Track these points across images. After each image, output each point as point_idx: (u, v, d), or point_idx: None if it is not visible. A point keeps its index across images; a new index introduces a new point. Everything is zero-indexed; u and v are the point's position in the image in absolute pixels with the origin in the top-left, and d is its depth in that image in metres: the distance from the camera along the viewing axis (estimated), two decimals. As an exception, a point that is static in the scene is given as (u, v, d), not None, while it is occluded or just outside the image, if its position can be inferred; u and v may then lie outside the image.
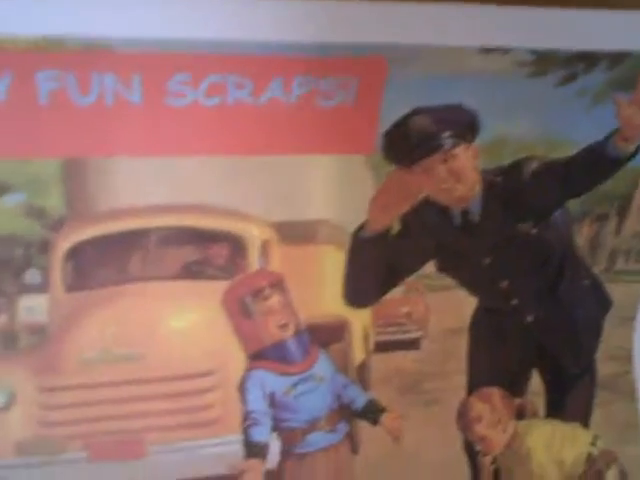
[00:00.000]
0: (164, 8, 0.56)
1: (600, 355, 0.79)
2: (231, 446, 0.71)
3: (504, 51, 0.60)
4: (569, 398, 0.80)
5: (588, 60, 0.61)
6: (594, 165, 0.67)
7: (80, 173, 0.63)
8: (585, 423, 0.80)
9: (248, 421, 0.71)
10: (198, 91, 0.60)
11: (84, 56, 0.57)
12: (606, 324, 0.79)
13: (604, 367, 0.80)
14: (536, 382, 0.80)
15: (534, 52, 0.60)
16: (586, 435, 0.80)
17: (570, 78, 0.63)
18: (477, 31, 0.60)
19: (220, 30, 0.57)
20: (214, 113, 0.61)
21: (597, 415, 0.81)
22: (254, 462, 0.70)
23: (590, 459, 0.79)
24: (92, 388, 0.67)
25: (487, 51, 0.60)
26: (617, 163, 0.67)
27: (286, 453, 0.73)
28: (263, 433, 0.71)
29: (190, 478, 0.70)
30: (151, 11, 0.55)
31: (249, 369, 0.71)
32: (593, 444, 0.79)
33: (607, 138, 0.65)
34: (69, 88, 0.58)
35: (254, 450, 0.70)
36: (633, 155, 0.66)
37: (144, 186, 0.64)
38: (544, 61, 0.61)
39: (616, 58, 0.62)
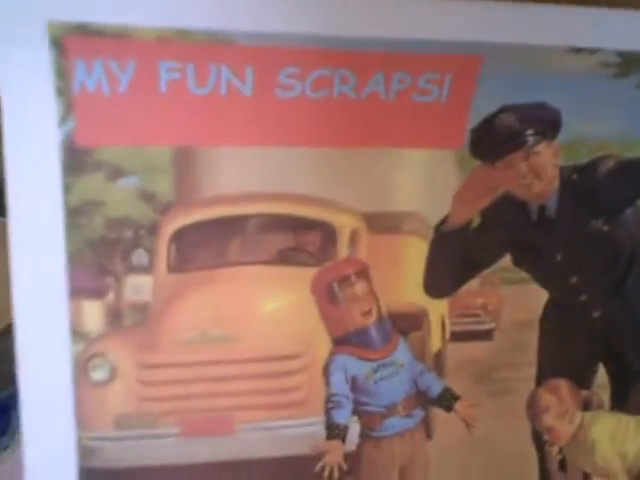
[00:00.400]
0: (282, 3, 0.61)
1: None
2: (314, 427, 0.74)
3: (591, 51, 0.64)
4: (633, 392, 0.83)
5: None
6: None
7: (189, 161, 0.67)
8: None
9: (331, 403, 0.74)
10: (305, 84, 0.64)
11: (205, 48, 0.62)
12: None
13: None
14: (602, 375, 0.83)
15: (620, 53, 0.64)
16: None
17: None
18: (567, 31, 0.64)
19: (331, 26, 0.62)
20: (320, 106, 0.65)
21: None
22: (335, 443, 0.73)
23: None
24: (188, 367, 0.70)
25: (576, 51, 0.64)
26: None
27: (365, 436, 0.76)
28: (344, 416, 0.74)
29: (275, 456, 0.73)
30: (274, 6, 0.60)
31: (333, 353, 0.74)
32: None
33: None
34: (188, 78, 0.63)
35: (335, 432, 0.74)
36: None
37: (247, 175, 0.68)
38: (628, 62, 0.65)
39: None
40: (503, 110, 0.68)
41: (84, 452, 0.68)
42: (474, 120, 0.68)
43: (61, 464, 0.67)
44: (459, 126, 0.68)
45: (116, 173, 0.66)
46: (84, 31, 0.60)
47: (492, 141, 0.69)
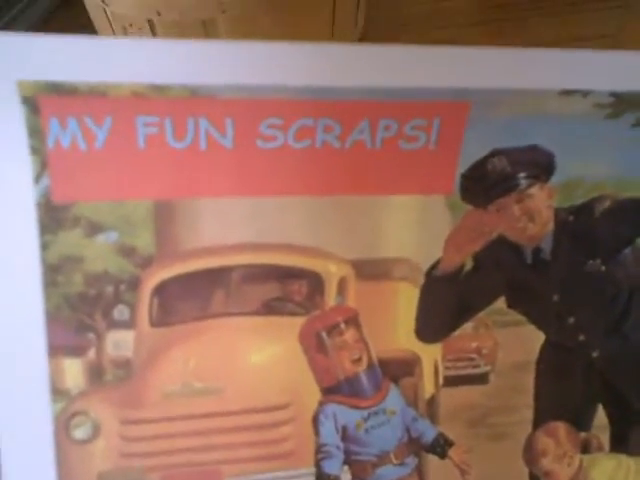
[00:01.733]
0: (262, 56, 0.58)
1: None
2: (305, 479, 0.72)
3: (584, 93, 0.62)
4: (633, 433, 0.81)
5: None
6: None
7: (169, 214, 0.65)
8: None
9: (321, 454, 0.72)
10: (288, 134, 0.62)
11: (183, 102, 0.59)
12: None
13: None
14: (601, 417, 0.81)
15: (613, 94, 0.62)
16: None
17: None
18: (557, 74, 0.62)
19: (313, 77, 0.59)
20: (303, 155, 0.63)
21: None
22: (326, 495, 0.72)
23: None
24: (172, 421, 0.69)
25: (568, 93, 0.61)
26: None
27: (357, 486, 0.75)
28: (335, 466, 0.73)
29: (265, 510, 0.72)
30: (253, 58, 0.58)
31: (323, 403, 0.72)
32: None
33: None
34: (167, 132, 0.61)
35: (326, 483, 0.72)
36: None
37: (230, 226, 0.66)
38: (622, 102, 0.63)
39: None
40: (494, 154, 0.65)
41: (68, 512, 0.66)
42: (464, 165, 0.66)
43: (44, 526, 0.66)
44: (449, 171, 0.66)
45: (94, 228, 0.64)
46: (57, 89, 0.58)
47: (483, 185, 0.67)
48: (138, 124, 0.60)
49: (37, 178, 0.61)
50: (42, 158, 0.60)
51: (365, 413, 0.73)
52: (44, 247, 0.63)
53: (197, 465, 0.70)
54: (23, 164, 0.60)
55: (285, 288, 0.71)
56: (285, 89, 0.60)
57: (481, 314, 0.75)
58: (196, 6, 1.11)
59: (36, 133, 0.59)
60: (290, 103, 0.60)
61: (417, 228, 0.70)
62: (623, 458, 0.80)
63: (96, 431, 0.68)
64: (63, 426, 0.67)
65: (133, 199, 0.64)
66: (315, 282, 0.71)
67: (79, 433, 0.67)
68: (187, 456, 0.70)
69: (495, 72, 0.61)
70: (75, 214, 0.63)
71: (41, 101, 0.58)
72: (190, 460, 0.70)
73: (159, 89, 0.58)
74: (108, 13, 1.17)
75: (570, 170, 0.68)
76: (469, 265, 0.72)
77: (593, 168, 0.69)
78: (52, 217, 0.63)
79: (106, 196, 0.63)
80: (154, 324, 0.68)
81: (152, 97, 0.59)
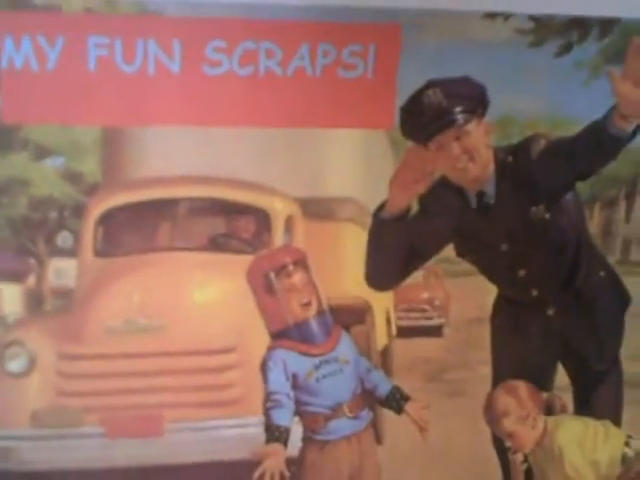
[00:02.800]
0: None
1: (625, 354, 0.78)
2: (252, 428, 0.68)
3: (505, 17, 0.66)
4: (597, 395, 0.78)
5: (581, 28, 0.67)
6: (597, 144, 0.70)
7: (117, 141, 0.67)
8: (616, 422, 0.77)
9: (270, 402, 0.69)
10: (233, 59, 0.65)
11: (133, 20, 0.63)
12: (628, 322, 0.78)
13: (630, 366, 0.79)
14: (564, 379, 0.78)
15: (532, 18, 0.66)
16: (619, 434, 0.77)
17: (566, 47, 0.68)
18: None
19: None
20: (247, 82, 0.66)
21: (627, 414, 0.78)
22: (276, 447, 0.68)
23: (626, 460, 0.76)
24: (112, 359, 0.67)
25: (490, 17, 0.66)
26: (619, 142, 0.70)
27: (308, 439, 0.71)
28: (285, 416, 0.69)
29: (208, 461, 0.67)
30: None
31: (271, 348, 0.70)
32: (627, 444, 0.76)
33: (606, 116, 0.69)
34: (116, 54, 0.64)
35: (275, 434, 0.68)
36: (634, 135, 0.70)
37: (176, 157, 0.68)
38: (542, 29, 0.67)
39: (606, 25, 0.68)
40: (429, 86, 0.68)
41: (-2, 453, 0.62)
42: (402, 97, 0.69)
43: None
44: (388, 103, 0.69)
45: (42, 152, 0.65)
46: (14, 4, 0.61)
47: (421, 120, 0.69)
48: (89, 45, 0.63)
49: (-12, 98, 0.63)
50: (-6, 77, 0.63)
51: (316, 361, 0.71)
52: (-10, 167, 0.64)
53: (137, 408, 0.66)
54: (-25, 81, 0.63)
55: (231, 224, 0.71)
56: (228, 7, 0.63)
57: (431, 262, 0.74)
58: None
59: (-10, 51, 0.62)
60: (233, 22, 0.64)
61: (361, 165, 0.72)
62: (590, 421, 0.76)
63: (32, 364, 0.65)
64: (-3, 356, 0.64)
65: (81, 124, 0.66)
66: (262, 219, 0.71)
67: (14, 365, 0.65)
68: (127, 398, 0.67)
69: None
70: (23, 137, 0.65)
71: (-3, 16, 0.61)
72: (130, 402, 0.67)
73: (110, 4, 0.62)
74: None
75: (503, 105, 0.71)
76: (415, 209, 0.73)
77: (524, 103, 0.72)
78: (0, 138, 0.64)
79: (55, 119, 0.65)
80: (98, 254, 0.68)
81: (103, 15, 0.63)
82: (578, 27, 0.67)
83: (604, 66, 0.69)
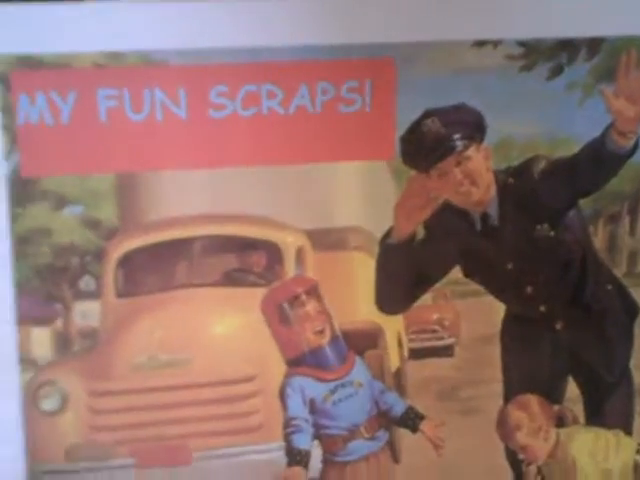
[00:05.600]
0: (200, 19, 0.66)
1: (635, 363, 0.80)
2: (274, 453, 0.72)
3: (494, 44, 0.68)
4: (608, 406, 0.80)
5: (569, 49, 0.69)
6: (597, 161, 0.72)
7: (132, 187, 0.70)
8: (627, 431, 0.79)
9: (290, 428, 0.72)
10: (236, 102, 0.68)
11: (139, 70, 0.66)
12: (637, 331, 0.80)
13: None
14: (573, 389, 0.80)
15: (521, 44, 0.68)
16: (630, 443, 0.79)
17: (557, 70, 0.70)
18: (470, 24, 0.68)
19: (255, 38, 0.66)
20: (251, 123, 0.69)
21: (638, 423, 0.80)
22: (297, 470, 0.71)
23: (638, 468, 0.78)
24: (139, 393, 0.70)
25: (480, 45, 0.68)
26: (618, 158, 0.71)
27: (328, 461, 0.74)
28: (305, 440, 0.72)
29: (235, 486, 0.71)
30: (201, 23, 0.65)
31: (288, 375, 0.73)
32: (639, 452, 0.78)
33: (604, 134, 0.71)
34: (125, 104, 0.67)
35: (297, 457, 0.71)
36: (633, 150, 0.72)
37: (189, 198, 0.71)
38: (531, 54, 0.68)
39: (594, 45, 0.69)
40: (427, 115, 0.70)
41: (36, 486, 0.67)
42: (401, 128, 0.71)
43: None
44: (388, 134, 0.71)
45: (61, 202, 0.69)
46: (27, 64, 0.65)
47: (422, 149, 0.71)
48: (99, 97, 0.67)
49: (8, 154, 0.67)
50: (12, 135, 0.67)
51: (332, 385, 0.74)
52: (14, 220, 0.68)
53: (165, 439, 0.70)
54: (-5, 141, 0.66)
55: (244, 259, 0.74)
56: (229, 52, 0.66)
57: (439, 285, 0.77)
58: None
59: (7, 110, 0.66)
60: (234, 68, 0.67)
61: (364, 195, 0.74)
62: (601, 431, 0.78)
63: (64, 402, 0.69)
64: (31, 397, 0.68)
65: (97, 173, 0.69)
66: (273, 252, 0.74)
67: (47, 404, 0.69)
68: (155, 430, 0.70)
69: (413, 27, 0.67)
70: (43, 188, 0.68)
71: (12, 77, 0.65)
72: (157, 434, 0.70)
73: (116, 57, 0.65)
74: None
75: (500, 129, 0.73)
76: (421, 233, 0.76)
77: (521, 126, 0.73)
78: (22, 191, 0.68)
79: (71, 170, 0.68)
80: (120, 294, 0.71)
81: (110, 67, 0.66)
82: (566, 49, 0.69)
83: (596, 85, 0.71)
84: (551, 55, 0.69)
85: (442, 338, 0.78)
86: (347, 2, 0.65)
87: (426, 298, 0.77)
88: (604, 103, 0.69)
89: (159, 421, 0.70)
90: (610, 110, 0.69)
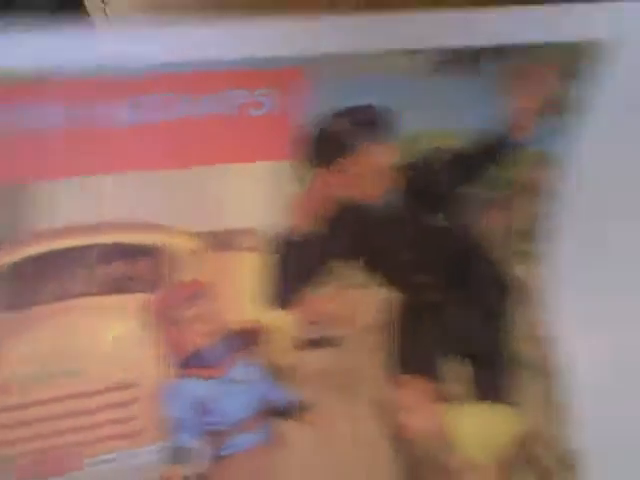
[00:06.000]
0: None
1: (517, 335, 0.85)
2: (158, 454, 0.73)
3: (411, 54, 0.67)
4: (491, 380, 0.85)
5: (478, 52, 0.71)
6: (494, 152, 0.76)
7: (11, 198, 0.66)
8: (510, 404, 0.85)
9: (174, 428, 0.74)
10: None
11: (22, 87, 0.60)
12: (518, 305, 0.84)
13: (522, 347, 0.85)
14: (459, 368, 0.85)
15: (439, 52, 0.68)
16: (513, 416, 0.82)
17: (467, 70, 0.71)
18: (382, 38, 0.66)
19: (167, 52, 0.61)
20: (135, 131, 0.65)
21: (521, 396, 0.83)
22: (176, 467, 0.73)
23: (520, 441, 0.84)
24: (27, 407, 0.68)
25: (392, 54, 0.67)
26: (513, 149, 0.75)
27: (213, 457, 0.76)
28: (188, 438, 0.75)
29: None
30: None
31: (174, 377, 0.74)
32: (521, 425, 0.84)
33: (504, 127, 0.75)
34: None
35: (179, 456, 0.74)
36: (529, 142, 0.75)
37: (71, 207, 0.67)
38: (442, 57, 0.69)
39: (501, 50, 0.72)
40: (334, 116, 0.70)
41: None
42: (307, 128, 0.70)
43: None
44: (292, 136, 0.70)
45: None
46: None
47: (322, 147, 0.71)
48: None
49: None
50: None
51: (218, 382, 0.76)
52: None
53: (59, 448, 0.70)
54: None
55: (132, 266, 0.72)
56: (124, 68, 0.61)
57: (335, 276, 0.78)
58: None
59: None
60: (130, 81, 0.62)
61: (263, 196, 0.73)
62: (483, 407, 0.82)
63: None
64: None
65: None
66: (160, 257, 0.73)
67: None
68: (48, 441, 0.69)
69: (323, 41, 0.65)
70: None
71: None
72: (51, 444, 0.69)
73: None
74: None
75: (409, 127, 0.73)
76: (318, 229, 0.76)
77: (431, 124, 0.74)
78: None
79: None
80: (5, 308, 0.68)
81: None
82: (475, 52, 0.70)
83: (503, 84, 0.74)
84: (461, 57, 0.70)
85: (333, 329, 0.80)
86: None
87: (320, 290, 0.78)
88: (508, 100, 0.73)
89: (50, 432, 0.69)
90: (512, 106, 0.74)
